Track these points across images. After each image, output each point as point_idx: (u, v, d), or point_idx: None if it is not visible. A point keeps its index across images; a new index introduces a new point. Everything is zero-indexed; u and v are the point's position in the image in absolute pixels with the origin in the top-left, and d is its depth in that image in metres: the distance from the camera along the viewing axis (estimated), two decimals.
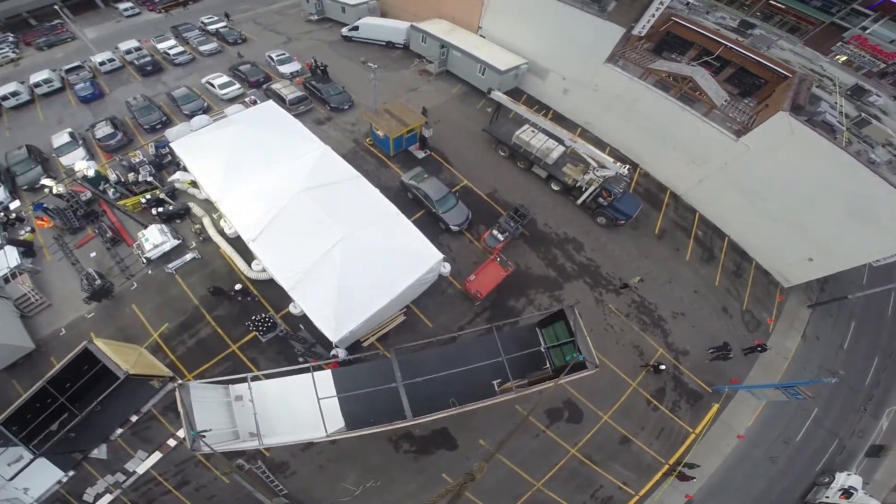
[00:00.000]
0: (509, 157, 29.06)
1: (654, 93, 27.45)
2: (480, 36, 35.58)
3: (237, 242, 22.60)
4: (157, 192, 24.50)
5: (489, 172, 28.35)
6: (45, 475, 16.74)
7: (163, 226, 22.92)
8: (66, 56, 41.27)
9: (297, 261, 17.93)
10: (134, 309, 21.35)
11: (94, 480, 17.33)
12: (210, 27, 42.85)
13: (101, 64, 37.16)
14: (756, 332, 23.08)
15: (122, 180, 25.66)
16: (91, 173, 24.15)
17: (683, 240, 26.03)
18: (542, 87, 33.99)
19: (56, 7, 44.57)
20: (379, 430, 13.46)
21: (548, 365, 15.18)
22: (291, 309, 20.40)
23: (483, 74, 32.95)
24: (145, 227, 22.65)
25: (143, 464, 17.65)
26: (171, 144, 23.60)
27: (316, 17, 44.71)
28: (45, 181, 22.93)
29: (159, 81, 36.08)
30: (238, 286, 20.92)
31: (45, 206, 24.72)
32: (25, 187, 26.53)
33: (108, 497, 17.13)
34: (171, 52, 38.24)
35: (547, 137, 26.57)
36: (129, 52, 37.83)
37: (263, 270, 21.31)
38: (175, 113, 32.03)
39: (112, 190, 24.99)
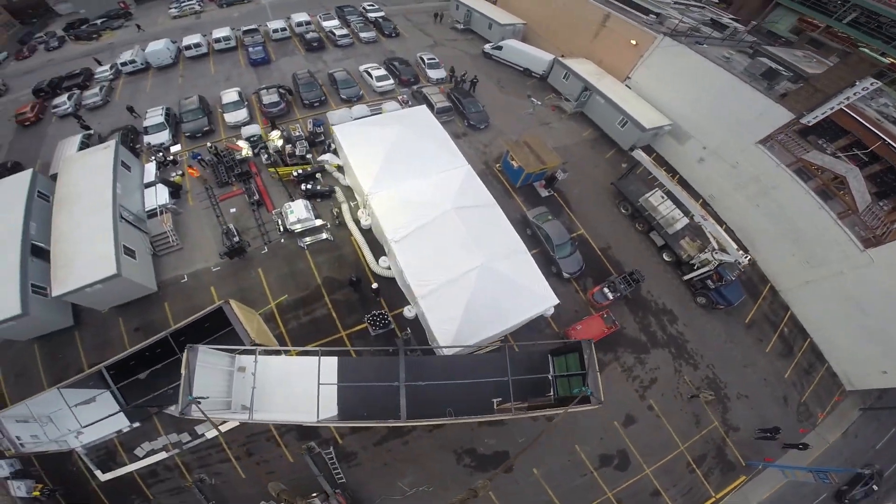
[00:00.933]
0: (630, 216, 28.22)
1: (796, 183, 25.43)
2: (627, 86, 34.56)
3: (368, 234, 23.64)
4: (309, 168, 26.00)
5: (607, 227, 27.64)
6: (109, 423, 15.99)
7: (308, 202, 24.15)
8: (240, 17, 45.03)
9: (433, 272, 18.35)
10: (259, 273, 22.58)
11: (154, 436, 18.14)
12: (370, 14, 44.56)
13: (274, 31, 39.83)
14: (805, 422, 23.15)
15: (279, 149, 27.33)
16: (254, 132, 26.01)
17: (769, 333, 25.31)
18: (675, 150, 32.35)
19: None
20: (368, 424, 13.16)
21: (551, 393, 14.83)
22: (406, 312, 20.93)
23: (622, 127, 31.83)
24: (292, 199, 24.13)
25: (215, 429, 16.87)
26: (334, 127, 24.94)
27: (461, 27, 45.37)
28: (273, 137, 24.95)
29: (320, 59, 38.12)
30: (374, 285, 21.54)
31: (200, 156, 27.14)
32: (188, 134, 29.06)
33: (161, 455, 17.72)
34: (337, 32, 40.03)
35: (675, 207, 25.54)
36: (299, 24, 40.31)
37: (389, 268, 21.79)
38: (331, 94, 33.69)
39: (266, 156, 26.89)
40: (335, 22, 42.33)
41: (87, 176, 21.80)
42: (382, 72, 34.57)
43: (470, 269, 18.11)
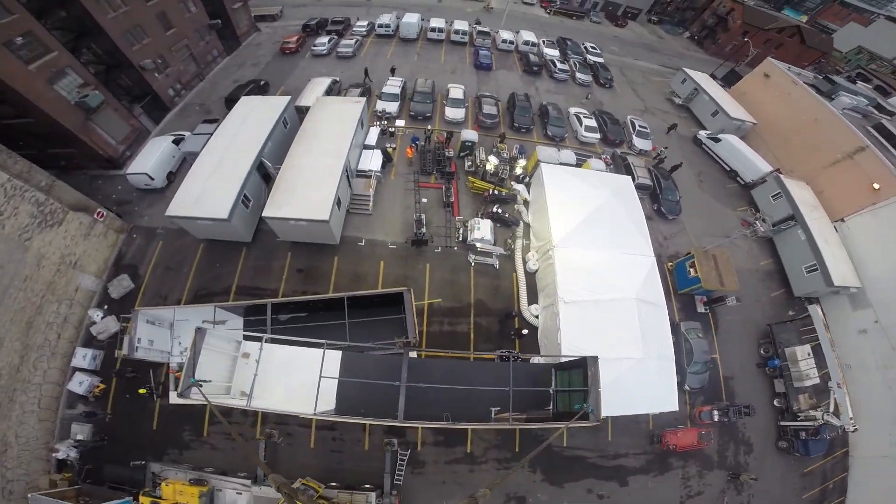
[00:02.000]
0: (765, 357, 24.99)
1: None
2: (835, 228, 28.76)
3: (529, 276, 22.68)
4: (504, 192, 25.71)
5: (739, 360, 24.85)
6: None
7: (494, 225, 23.75)
8: (474, 13, 46.87)
9: (588, 345, 17.31)
10: (426, 269, 22.67)
11: None
12: (590, 57, 43.44)
13: (503, 41, 40.57)
14: None
15: (480, 163, 27.03)
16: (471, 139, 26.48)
17: (815, 483, 22.97)
18: (841, 311, 26.58)
19: None
20: (365, 422, 12.65)
21: (551, 406, 14.31)
22: (534, 359, 19.62)
23: (807, 273, 26.79)
24: (478, 213, 24.06)
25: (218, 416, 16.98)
26: (543, 164, 24.21)
27: (679, 101, 41.76)
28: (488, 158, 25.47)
29: (533, 84, 37.86)
30: (525, 331, 20.75)
31: (418, 140, 28.13)
32: (412, 113, 30.40)
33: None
34: (557, 64, 39.30)
35: (814, 366, 23.23)
36: (525, 42, 40.61)
37: (537, 317, 20.96)
38: (536, 125, 33.06)
39: (470, 163, 27.14)
40: (556, 52, 41.72)
41: (333, 122, 23.43)
42: (593, 123, 33.07)
43: (626, 359, 17.51)
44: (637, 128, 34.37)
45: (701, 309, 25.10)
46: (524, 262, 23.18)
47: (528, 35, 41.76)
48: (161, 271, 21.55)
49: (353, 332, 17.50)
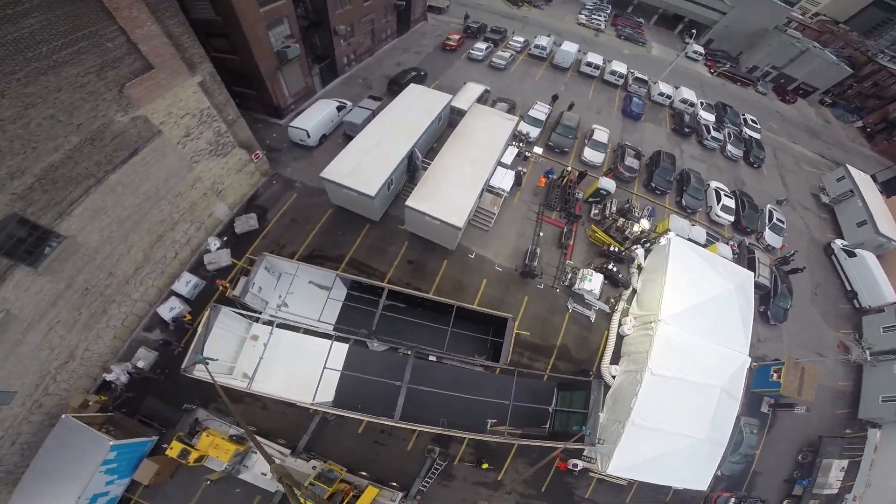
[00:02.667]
0: (800, 463, 23.10)
1: None
2: None
3: (619, 339, 21.80)
4: (623, 251, 24.33)
5: (776, 459, 22.79)
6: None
7: (605, 282, 22.79)
8: (630, 57, 44.79)
9: (658, 416, 17.39)
10: (524, 301, 22.24)
11: None
12: (747, 130, 39.62)
13: (659, 94, 38.44)
14: None
15: (607, 213, 26.06)
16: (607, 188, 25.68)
17: None
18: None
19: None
20: (360, 417, 12.43)
21: (548, 425, 14.19)
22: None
23: (882, 402, 23.92)
24: (593, 269, 22.98)
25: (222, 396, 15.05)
26: (672, 237, 22.53)
27: (826, 200, 36.41)
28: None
29: (679, 145, 35.60)
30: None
31: (552, 174, 27.53)
32: (551, 143, 29.82)
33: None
34: (711, 130, 36.48)
35: (840, 479, 22.08)
36: (683, 100, 38.23)
37: (614, 377, 20.43)
38: (671, 190, 30.90)
39: (596, 211, 26.18)
40: (712, 118, 38.74)
41: (485, 132, 23.90)
42: (731, 203, 30.08)
43: (687, 437, 17.61)
44: (774, 220, 30.62)
45: (765, 409, 23.55)
46: (619, 324, 22.24)
47: (687, 93, 39.13)
48: (287, 221, 23.02)
49: (437, 338, 17.08)
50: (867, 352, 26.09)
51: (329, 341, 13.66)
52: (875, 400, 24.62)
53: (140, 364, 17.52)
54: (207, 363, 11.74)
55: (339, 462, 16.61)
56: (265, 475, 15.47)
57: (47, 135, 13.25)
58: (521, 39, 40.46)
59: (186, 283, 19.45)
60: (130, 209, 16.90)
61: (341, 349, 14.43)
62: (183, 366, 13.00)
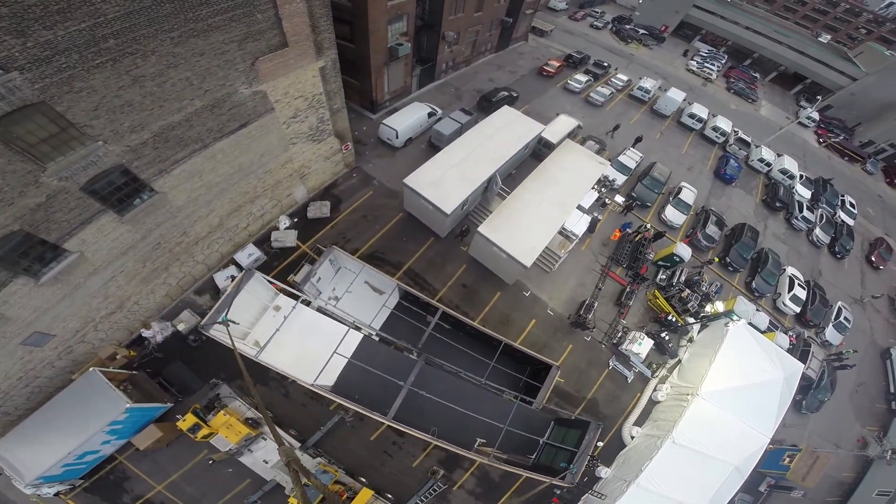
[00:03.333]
0: None
1: None
2: None
3: (650, 403, 21.13)
4: (679, 322, 22.74)
5: None
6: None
7: (652, 348, 21.49)
8: (736, 113, 41.53)
9: (668, 485, 17.01)
10: (566, 348, 21.34)
11: None
12: (842, 215, 35.23)
13: (759, 160, 35.28)
14: None
15: (674, 281, 24.34)
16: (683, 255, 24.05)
17: None
18: None
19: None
20: (354, 407, 12.32)
21: (534, 455, 14.16)
22: (600, 471, 18.35)
23: (874, 496, 23.28)
24: (644, 335, 21.58)
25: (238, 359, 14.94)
26: (736, 322, 20.79)
27: None
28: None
29: (764, 220, 32.38)
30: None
31: (629, 227, 25.98)
32: (634, 194, 27.86)
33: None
34: (804, 212, 32.57)
35: None
36: (783, 171, 34.66)
37: (632, 438, 19.96)
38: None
39: (664, 276, 24.54)
40: (808, 194, 34.97)
41: (573, 172, 22.95)
42: (803, 295, 26.79)
43: None
44: (841, 318, 27.34)
45: (763, 488, 22.42)
46: (654, 389, 21.32)
47: (789, 163, 35.42)
48: (357, 217, 23.25)
49: (477, 368, 16.61)
50: (887, 451, 24.73)
51: (346, 328, 13.73)
52: (869, 494, 24.27)
53: (180, 326, 17.50)
54: (229, 325, 11.71)
55: (343, 464, 16.55)
56: (266, 463, 15.24)
57: (177, 95, 13.71)
58: (625, 78, 38.66)
59: (249, 256, 19.78)
60: (222, 177, 17.56)
61: (355, 337, 14.44)
62: (202, 322, 12.93)
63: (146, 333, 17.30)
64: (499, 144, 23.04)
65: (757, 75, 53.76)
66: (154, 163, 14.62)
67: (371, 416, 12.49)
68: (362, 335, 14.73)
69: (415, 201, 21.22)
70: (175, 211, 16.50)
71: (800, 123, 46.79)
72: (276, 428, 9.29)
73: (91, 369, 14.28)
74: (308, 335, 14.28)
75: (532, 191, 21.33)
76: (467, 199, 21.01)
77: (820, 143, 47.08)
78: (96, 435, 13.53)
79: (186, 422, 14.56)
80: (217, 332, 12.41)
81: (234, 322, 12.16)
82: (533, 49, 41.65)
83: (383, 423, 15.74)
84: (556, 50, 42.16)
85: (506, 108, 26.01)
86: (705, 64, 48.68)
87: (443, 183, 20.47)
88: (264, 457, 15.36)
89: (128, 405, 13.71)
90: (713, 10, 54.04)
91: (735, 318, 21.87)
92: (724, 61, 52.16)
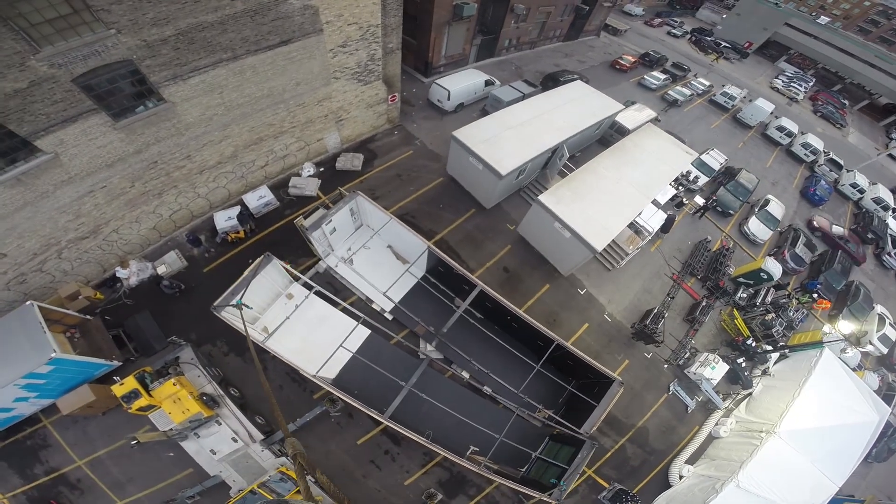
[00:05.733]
0: None
1: None
2: None
3: (709, 440, 17.20)
4: (759, 348, 18.31)
5: None
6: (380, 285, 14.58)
7: (723, 373, 17.17)
8: (822, 136, 36.02)
9: None
10: (622, 363, 17.14)
11: None
12: None
13: (852, 185, 29.86)
14: None
15: (758, 301, 19.75)
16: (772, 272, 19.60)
17: None
18: None
19: None
20: (351, 402, 11.49)
21: (525, 469, 13.20)
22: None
23: None
24: (719, 357, 17.23)
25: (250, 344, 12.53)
26: (825, 356, 16.91)
27: None
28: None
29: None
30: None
31: (708, 238, 21.73)
32: (714, 200, 23.28)
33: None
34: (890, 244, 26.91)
35: None
36: (878, 199, 28.83)
37: (680, 478, 16.39)
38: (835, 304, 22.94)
39: (744, 294, 19.86)
40: None
41: (656, 156, 19.11)
42: (893, 336, 21.31)
43: None
44: None
45: None
46: (717, 424, 17.33)
47: (884, 192, 29.93)
48: (391, 175, 20.01)
49: (515, 372, 13.97)
50: None
51: (355, 322, 13.28)
52: None
53: (161, 269, 14.51)
54: (241, 308, 11.06)
55: (320, 467, 12.47)
56: (214, 454, 11.62)
57: None
58: (707, 83, 34.34)
59: (259, 198, 16.66)
60: (247, 99, 14.67)
61: (362, 333, 13.96)
62: (216, 303, 11.56)
63: (121, 273, 14.14)
64: (568, 115, 19.25)
65: (846, 102, 47.44)
66: (170, 65, 11.94)
67: (367, 412, 11.59)
68: (369, 332, 14.20)
69: (461, 161, 17.77)
70: (182, 128, 13.70)
71: (890, 156, 40.65)
72: (282, 416, 7.04)
73: (28, 302, 11.01)
74: (316, 326, 13.89)
75: (607, 167, 17.43)
76: (525, 168, 17.30)
77: None
78: (6, 388, 10.30)
79: (124, 387, 10.87)
80: (230, 315, 11.60)
81: (247, 306, 11.54)
82: (605, 45, 37.88)
83: (375, 428, 14.03)
84: (630, 48, 38.25)
85: (579, 82, 22.30)
86: (792, 84, 43.23)
87: (499, 142, 16.92)
88: (213, 445, 11.65)
89: (53, 355, 10.35)
90: (808, 30, 48.30)
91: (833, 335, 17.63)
92: (811, 83, 46.33)
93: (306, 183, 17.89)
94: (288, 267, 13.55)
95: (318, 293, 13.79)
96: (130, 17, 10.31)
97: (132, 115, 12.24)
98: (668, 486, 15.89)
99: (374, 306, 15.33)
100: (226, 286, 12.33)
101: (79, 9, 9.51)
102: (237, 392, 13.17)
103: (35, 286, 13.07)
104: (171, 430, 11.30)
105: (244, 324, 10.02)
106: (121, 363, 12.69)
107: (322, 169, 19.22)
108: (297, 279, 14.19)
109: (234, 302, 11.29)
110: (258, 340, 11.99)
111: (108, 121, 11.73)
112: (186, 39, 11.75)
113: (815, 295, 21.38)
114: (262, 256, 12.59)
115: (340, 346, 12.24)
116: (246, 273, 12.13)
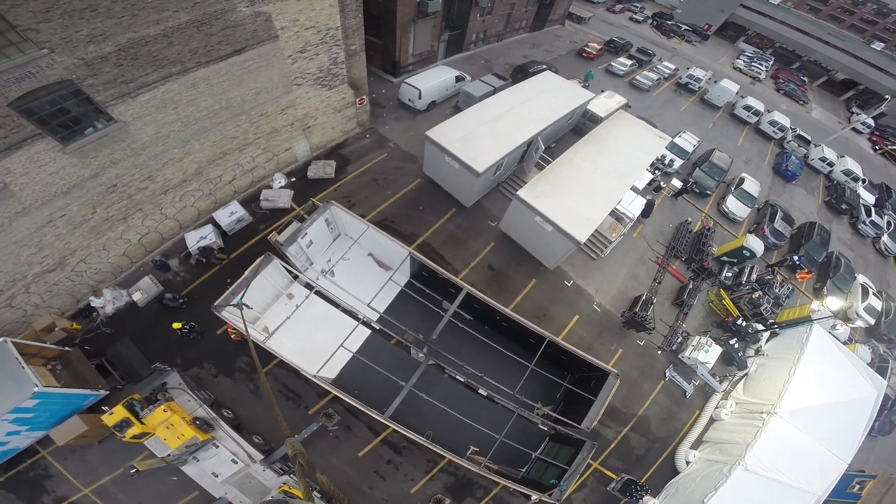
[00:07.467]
0: None
1: None
2: None
3: (710, 423, 17.06)
4: (749, 328, 18.21)
5: None
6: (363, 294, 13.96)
7: (717, 356, 17.00)
8: (787, 113, 36.77)
9: None
10: (615, 353, 16.86)
11: None
12: None
13: (821, 159, 30.68)
14: None
15: (744, 280, 19.82)
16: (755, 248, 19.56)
17: None
18: None
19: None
20: (351, 401, 11.22)
21: (524, 469, 12.94)
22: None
23: None
24: (711, 340, 17.09)
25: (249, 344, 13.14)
26: (814, 330, 16.88)
27: None
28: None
29: (829, 223, 27.06)
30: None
31: (689, 220, 21.72)
32: (691, 182, 23.44)
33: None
34: (872, 216, 27.55)
35: None
36: (847, 171, 29.62)
37: (687, 464, 16.11)
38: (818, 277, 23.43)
39: (730, 274, 19.85)
40: (872, 199, 29.79)
41: (630, 143, 18.88)
42: (878, 305, 21.75)
43: None
44: None
45: None
46: (716, 407, 17.10)
47: (853, 164, 30.73)
48: (367, 180, 19.24)
49: (510, 372, 13.27)
50: None
51: (356, 322, 13.09)
52: None
53: (136, 297, 13.90)
54: (242, 308, 10.81)
55: (322, 484, 12.12)
56: (216, 476, 11.23)
57: (157, 5, 10.52)
58: (672, 66, 34.52)
59: (230, 214, 15.80)
60: (205, 113, 13.78)
61: (363, 333, 13.62)
62: (216, 303, 11.38)
63: (95, 302, 13.51)
64: (541, 107, 18.84)
65: (805, 79, 48.73)
66: (115, 83, 11.06)
67: (368, 412, 11.36)
68: (370, 332, 13.80)
69: (437, 160, 17.16)
70: (139, 148, 12.76)
71: (853, 129, 41.91)
72: (283, 417, 7.18)
73: (1, 339, 10.58)
74: (317, 326, 13.52)
75: (583, 157, 17.10)
76: (502, 163, 16.82)
77: (876, 149, 41.83)
78: None
79: (114, 416, 10.53)
80: (230, 315, 11.48)
81: (247, 306, 11.32)
82: (570, 33, 37.68)
83: (375, 438, 13.76)
84: (595, 36, 38.18)
85: (548, 72, 21.92)
86: (753, 63, 44.11)
87: (473, 139, 16.39)
88: (214, 468, 11.16)
89: (36, 389, 10.01)
90: (762, 10, 49.30)
91: (822, 311, 17.54)
92: (770, 62, 47.39)
93: (278, 195, 16.99)
94: (287, 266, 13.34)
95: (318, 293, 13.63)
96: (63, 36, 9.48)
97: (81, 137, 11.36)
98: (675, 472, 15.64)
99: (359, 317, 14.70)
100: (207, 306, 11.77)
101: (3, 29, 8.64)
102: (230, 413, 12.73)
103: (7, 322, 12.32)
104: (169, 455, 10.90)
105: (244, 323, 9.98)
106: (108, 392, 12.27)
107: (293, 179, 18.31)
108: (296, 278, 13.92)
109: (234, 302, 11.19)
110: (259, 340, 11.84)
111: (57, 145, 10.88)
112: (129, 55, 10.90)
113: (797, 265, 21.66)
114: (263, 256, 12.41)
115: (341, 345, 12.10)
116: (246, 273, 11.97)
